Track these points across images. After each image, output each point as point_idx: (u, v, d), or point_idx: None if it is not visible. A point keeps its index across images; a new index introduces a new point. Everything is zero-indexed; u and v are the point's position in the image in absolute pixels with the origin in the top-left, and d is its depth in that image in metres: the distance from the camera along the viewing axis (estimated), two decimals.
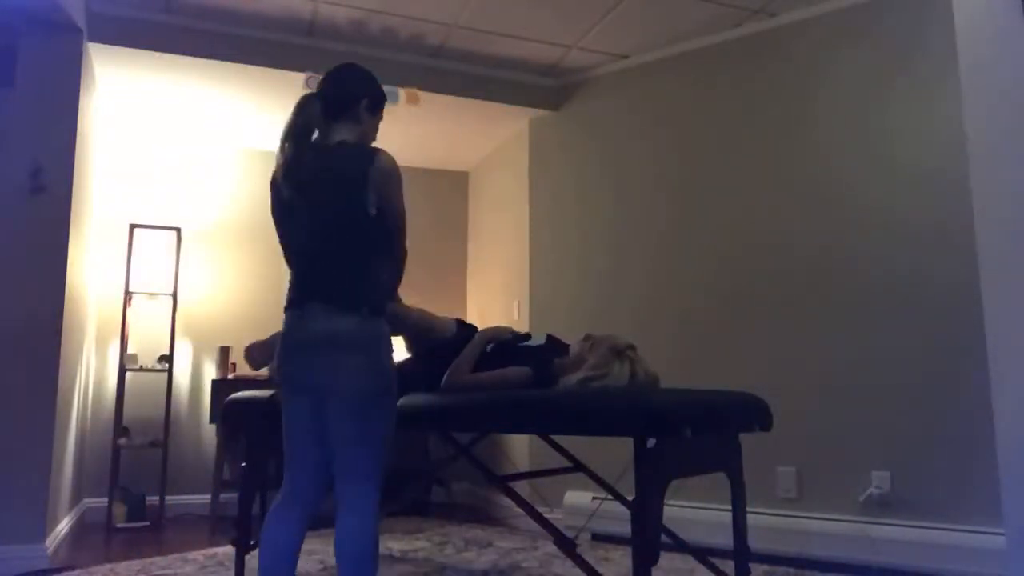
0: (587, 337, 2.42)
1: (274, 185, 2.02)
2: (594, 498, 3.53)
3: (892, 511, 3.08)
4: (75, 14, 3.32)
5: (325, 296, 1.89)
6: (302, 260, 2.00)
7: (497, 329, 2.58)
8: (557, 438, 2.82)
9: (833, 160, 3.42)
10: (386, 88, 4.05)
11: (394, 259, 2.02)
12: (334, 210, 1.91)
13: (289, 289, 2.01)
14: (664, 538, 2.15)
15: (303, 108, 2.04)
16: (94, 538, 3.92)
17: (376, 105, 2.13)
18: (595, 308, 4.07)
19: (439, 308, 4.68)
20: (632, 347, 2.33)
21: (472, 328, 2.66)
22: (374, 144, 2.09)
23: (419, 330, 2.56)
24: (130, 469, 4.29)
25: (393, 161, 1.96)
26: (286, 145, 2.02)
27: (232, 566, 2.87)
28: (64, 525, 3.61)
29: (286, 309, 1.99)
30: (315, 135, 2.06)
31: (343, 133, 2.03)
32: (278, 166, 2.02)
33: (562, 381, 2.32)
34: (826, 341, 3.33)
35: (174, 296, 4.43)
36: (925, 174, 3.15)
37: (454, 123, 4.59)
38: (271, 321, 4.85)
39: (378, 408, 1.90)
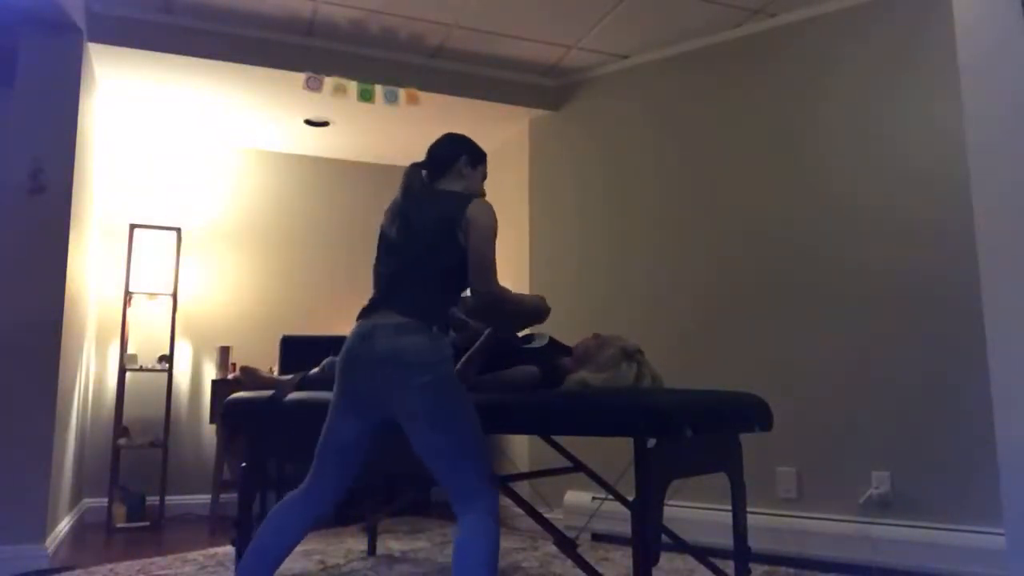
0: (595, 336, 2.43)
1: (382, 228, 2.19)
2: (594, 498, 3.53)
3: (892, 511, 3.08)
4: (75, 14, 3.32)
5: (400, 307, 1.99)
6: (390, 280, 2.10)
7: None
8: (557, 438, 2.82)
9: (833, 160, 3.42)
10: (386, 88, 4.10)
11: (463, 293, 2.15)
12: (428, 240, 2.06)
13: (367, 304, 2.11)
14: (664, 538, 2.15)
15: (408, 175, 2.21)
16: (94, 538, 3.92)
17: (476, 160, 2.28)
18: (595, 308, 4.07)
19: None
20: (640, 351, 2.33)
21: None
22: (481, 195, 2.25)
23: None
24: (130, 469, 4.29)
25: (484, 210, 2.08)
26: (396, 199, 2.19)
27: (232, 566, 2.87)
28: (64, 525, 3.61)
29: (358, 318, 2.07)
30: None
31: (447, 184, 2.21)
32: (387, 211, 2.21)
33: (568, 379, 2.33)
34: (826, 341, 3.33)
35: (174, 296, 4.43)
36: (925, 174, 3.15)
37: (454, 123, 4.58)
38: (271, 321, 4.88)
39: (453, 420, 1.94)
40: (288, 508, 2.09)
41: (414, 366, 1.90)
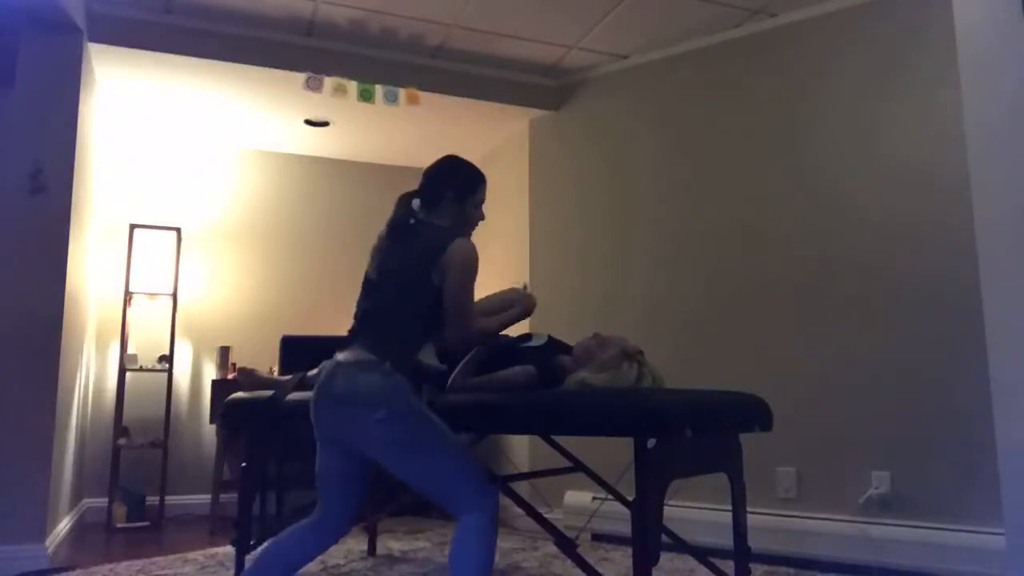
0: (596, 335, 2.43)
1: (367, 268, 2.25)
2: (594, 498, 3.53)
3: (892, 511, 3.08)
4: (75, 14, 3.32)
5: (366, 344, 2.05)
6: (362, 316, 2.16)
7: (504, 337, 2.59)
8: (557, 438, 2.82)
9: (833, 160, 3.42)
10: (386, 88, 4.10)
11: (440, 335, 2.15)
12: (401, 279, 2.11)
13: (343, 338, 2.16)
14: (664, 538, 2.15)
15: (396, 206, 2.25)
16: (94, 538, 3.93)
17: (464, 193, 2.24)
18: (596, 308, 4.07)
19: None
20: (641, 351, 2.33)
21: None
22: (469, 230, 2.27)
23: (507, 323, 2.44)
24: (130, 469, 4.29)
25: (463, 252, 2.09)
26: (382, 233, 2.24)
27: (232, 566, 2.87)
28: (64, 525, 3.61)
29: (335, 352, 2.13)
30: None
31: (437, 216, 2.21)
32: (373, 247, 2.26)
33: (568, 380, 2.32)
34: (826, 341, 3.33)
35: (174, 296, 4.43)
36: (925, 174, 3.15)
37: (454, 123, 4.59)
38: (271, 321, 4.88)
39: (419, 445, 1.99)
40: (300, 536, 2.12)
41: (368, 404, 1.96)
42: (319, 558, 3.31)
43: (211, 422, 4.57)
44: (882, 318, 3.19)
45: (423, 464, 1.99)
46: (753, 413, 2.29)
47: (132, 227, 4.43)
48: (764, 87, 3.67)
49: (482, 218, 2.30)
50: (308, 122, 4.56)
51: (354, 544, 3.63)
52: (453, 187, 2.22)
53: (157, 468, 4.29)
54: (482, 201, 2.29)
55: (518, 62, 4.19)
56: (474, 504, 1.96)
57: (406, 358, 2.05)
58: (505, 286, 4.85)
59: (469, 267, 2.10)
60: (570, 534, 2.26)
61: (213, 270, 4.83)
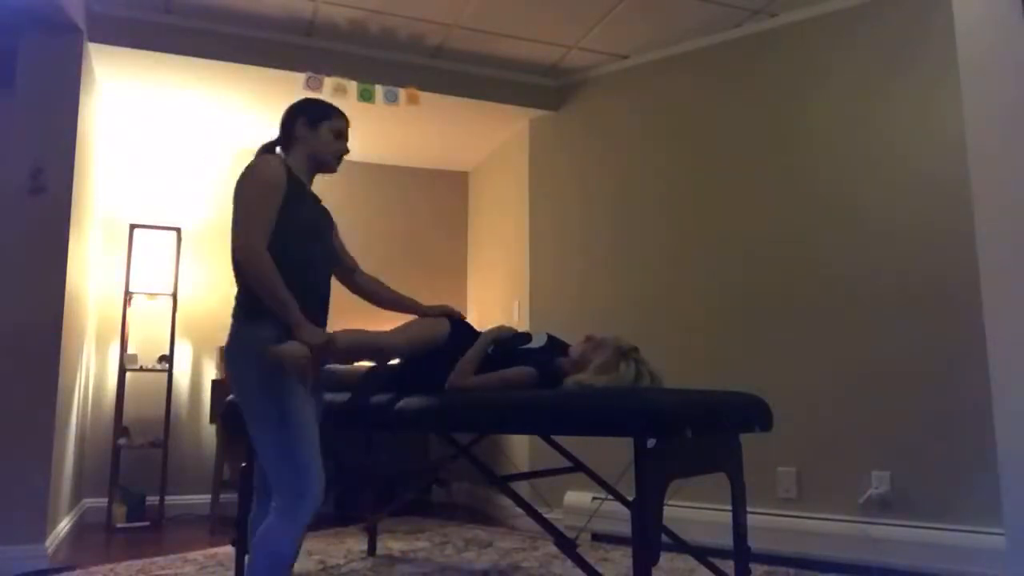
0: (588, 338, 2.42)
1: None
2: (594, 498, 3.53)
3: (892, 511, 3.08)
4: (75, 14, 3.32)
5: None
6: None
7: (499, 329, 2.57)
8: (557, 438, 2.82)
9: (833, 160, 3.42)
10: (386, 88, 4.10)
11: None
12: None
13: None
14: (664, 538, 2.15)
15: (260, 153, 2.27)
16: (94, 538, 3.92)
17: (316, 119, 2.20)
18: (595, 308, 4.07)
19: None
20: (635, 348, 2.33)
21: (469, 326, 2.63)
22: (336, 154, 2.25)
23: (363, 353, 2.46)
24: (130, 469, 4.29)
25: (245, 172, 2.19)
26: None
27: (232, 566, 2.87)
28: (64, 525, 3.61)
29: None
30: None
31: (292, 155, 2.26)
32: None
33: (566, 382, 2.32)
34: (826, 341, 3.33)
35: (174, 296, 4.43)
36: (925, 175, 3.15)
37: (454, 123, 4.59)
38: None
39: (250, 420, 2.03)
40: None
41: (228, 360, 2.14)
42: (318, 558, 3.32)
43: (211, 422, 4.57)
44: (882, 318, 3.19)
45: (252, 434, 1.99)
46: (753, 413, 2.29)
47: (132, 227, 4.43)
48: (764, 87, 3.67)
49: (344, 151, 2.23)
50: None
51: (354, 544, 3.63)
52: (303, 112, 2.18)
53: (157, 468, 4.29)
54: (341, 131, 2.21)
55: (518, 62, 4.19)
56: (283, 499, 1.91)
57: (254, 308, 2.11)
58: (506, 285, 4.88)
59: (243, 184, 2.14)
60: (570, 534, 2.26)
61: (213, 270, 4.83)
